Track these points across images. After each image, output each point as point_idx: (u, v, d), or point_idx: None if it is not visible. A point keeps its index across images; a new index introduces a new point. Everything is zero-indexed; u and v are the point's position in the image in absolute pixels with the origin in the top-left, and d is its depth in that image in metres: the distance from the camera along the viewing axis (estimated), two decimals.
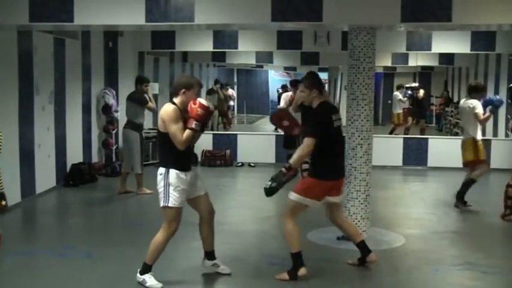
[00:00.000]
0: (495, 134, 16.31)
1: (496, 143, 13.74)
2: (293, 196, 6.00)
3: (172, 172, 5.53)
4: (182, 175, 5.57)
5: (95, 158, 12.13)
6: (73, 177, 10.84)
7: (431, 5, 6.87)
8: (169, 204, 5.55)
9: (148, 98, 10.25)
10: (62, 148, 10.77)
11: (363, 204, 7.42)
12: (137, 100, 10.21)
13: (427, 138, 14.10)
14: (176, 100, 5.62)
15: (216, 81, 20.76)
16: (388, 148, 13.49)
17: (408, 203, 9.99)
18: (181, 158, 5.59)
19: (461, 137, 9.58)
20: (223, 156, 13.66)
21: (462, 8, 6.83)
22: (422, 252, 7.16)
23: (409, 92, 20.39)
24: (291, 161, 5.89)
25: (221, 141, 14.10)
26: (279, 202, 10.13)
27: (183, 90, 5.60)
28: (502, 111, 15.95)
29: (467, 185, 9.15)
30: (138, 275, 5.72)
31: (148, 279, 5.67)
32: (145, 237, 7.54)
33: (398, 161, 13.62)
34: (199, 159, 13.77)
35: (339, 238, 7.34)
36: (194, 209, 5.96)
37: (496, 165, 12.67)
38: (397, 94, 18.78)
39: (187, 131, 5.49)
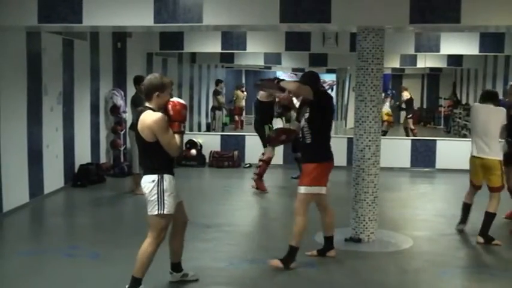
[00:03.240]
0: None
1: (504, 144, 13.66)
2: (303, 189, 6.26)
3: (167, 178, 5.32)
4: (173, 180, 5.38)
5: (103, 159, 12.15)
6: (81, 177, 10.86)
7: (440, 7, 6.85)
8: (165, 212, 5.31)
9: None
10: (70, 148, 10.80)
11: (370, 206, 7.40)
12: (133, 101, 10.17)
13: (435, 140, 14.06)
14: (151, 104, 5.30)
15: (218, 82, 20.81)
16: (396, 150, 13.45)
17: (416, 205, 9.96)
18: (171, 163, 5.42)
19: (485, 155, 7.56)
20: (231, 157, 13.66)
21: (471, 10, 6.81)
22: (430, 254, 7.14)
23: (390, 91, 20.38)
24: (284, 83, 6.56)
25: (229, 142, 14.11)
26: (284, 203, 10.14)
27: (156, 93, 5.28)
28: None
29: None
30: None
31: None
32: None
33: (406, 163, 13.59)
34: (207, 160, 13.79)
35: (346, 239, 7.33)
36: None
37: None
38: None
39: (178, 136, 5.27)
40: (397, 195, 10.60)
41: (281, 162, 13.42)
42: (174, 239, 5.76)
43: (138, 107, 9.97)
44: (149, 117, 5.20)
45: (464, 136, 18.20)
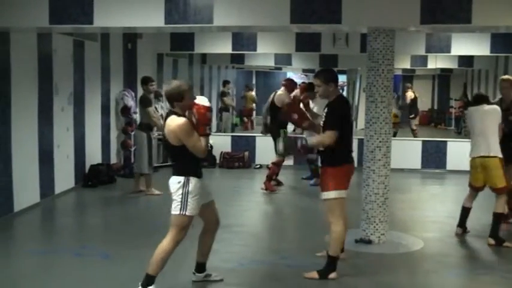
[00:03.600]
0: None
1: None
2: (326, 195, 6.03)
3: (193, 180, 5.43)
4: (199, 183, 5.48)
5: (113, 159, 12.19)
6: (92, 177, 10.90)
7: (451, 7, 6.83)
8: (187, 213, 5.41)
9: (154, 99, 10.45)
10: (81, 149, 10.84)
11: (381, 207, 7.38)
12: (141, 101, 10.37)
13: (446, 142, 14.02)
14: (176, 109, 5.42)
15: (225, 83, 20.73)
16: (406, 151, 13.42)
17: (427, 207, 9.93)
18: (198, 165, 5.53)
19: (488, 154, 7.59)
20: (241, 158, 13.67)
21: (482, 10, 6.78)
22: (440, 256, 7.11)
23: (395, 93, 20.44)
24: (312, 140, 6.11)
25: (239, 143, 14.12)
26: (295, 204, 10.14)
27: (176, 102, 5.39)
28: None
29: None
30: (140, 287, 5.46)
31: None
32: (162, 238, 7.58)
33: (417, 164, 13.56)
34: (217, 161, 13.80)
35: (357, 241, 7.32)
36: (201, 217, 5.79)
37: None
38: None
39: (204, 138, 5.38)
40: (407, 197, 10.57)
41: (291, 162, 13.40)
42: (204, 238, 5.85)
43: (146, 107, 10.17)
44: (173, 122, 5.31)
45: None
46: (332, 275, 6.03)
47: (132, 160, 12.49)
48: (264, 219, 9.05)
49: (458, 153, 13.24)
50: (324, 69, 6.43)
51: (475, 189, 7.80)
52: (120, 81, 12.49)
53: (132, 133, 12.45)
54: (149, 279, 5.43)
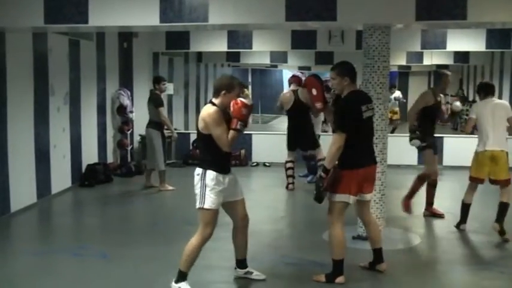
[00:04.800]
0: (511, 132, 16.19)
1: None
2: (329, 196, 5.79)
3: (210, 173, 5.41)
4: (220, 177, 5.46)
5: (110, 159, 12.18)
6: (88, 177, 10.89)
7: (446, 3, 6.82)
8: (205, 206, 5.41)
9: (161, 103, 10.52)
10: (77, 148, 10.82)
11: (378, 204, 7.39)
12: (153, 101, 10.52)
13: (442, 137, 14.00)
14: (216, 101, 5.48)
15: None
16: (403, 147, 13.39)
17: (423, 203, 9.90)
18: (220, 159, 5.50)
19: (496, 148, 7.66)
20: (238, 156, 13.64)
21: (477, 6, 6.78)
22: (438, 251, 7.13)
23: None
24: (325, 163, 5.71)
25: (236, 141, 14.07)
26: (293, 202, 10.14)
27: (223, 91, 5.45)
28: None
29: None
30: (173, 283, 5.52)
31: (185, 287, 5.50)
32: (161, 237, 7.61)
33: (413, 160, 13.55)
34: None
35: (354, 237, 7.32)
36: (228, 214, 5.86)
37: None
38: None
39: (232, 132, 5.41)
40: (404, 193, 10.55)
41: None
42: (235, 235, 5.91)
43: (158, 106, 10.24)
44: (205, 110, 5.43)
45: (471, 133, 18.15)
46: (339, 279, 5.84)
47: (129, 159, 12.51)
48: (261, 217, 9.03)
49: (455, 149, 13.29)
50: (342, 62, 6.08)
51: (477, 182, 7.84)
52: (116, 80, 12.48)
53: (129, 132, 12.46)
54: (181, 275, 5.50)
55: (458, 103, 9.11)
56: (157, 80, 10.70)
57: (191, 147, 13.81)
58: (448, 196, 10.33)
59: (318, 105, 6.06)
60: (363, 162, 5.84)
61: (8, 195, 8.53)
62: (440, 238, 7.73)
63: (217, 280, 6.09)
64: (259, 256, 6.74)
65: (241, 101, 5.44)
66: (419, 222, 8.61)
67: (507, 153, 7.64)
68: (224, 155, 5.53)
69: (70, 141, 10.52)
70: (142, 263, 6.47)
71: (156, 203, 9.86)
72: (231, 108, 5.42)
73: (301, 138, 10.60)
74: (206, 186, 5.41)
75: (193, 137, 13.99)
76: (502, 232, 7.43)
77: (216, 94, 5.52)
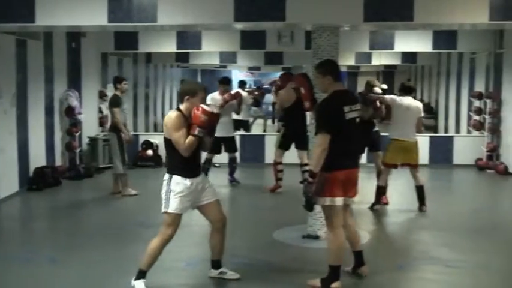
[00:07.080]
0: (457, 131, 16.56)
1: (458, 139, 14.11)
2: (318, 201, 5.60)
3: (176, 178, 5.51)
4: (186, 181, 5.52)
5: (58, 161, 11.98)
6: (36, 181, 10.69)
7: (394, 5, 6.94)
8: (169, 210, 5.52)
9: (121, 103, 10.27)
10: (25, 152, 10.61)
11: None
12: (110, 102, 10.37)
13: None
14: (182, 107, 5.58)
15: (182, 81, 20.64)
16: None
17: (371, 200, 9.98)
18: (186, 164, 5.54)
19: (409, 139, 8.87)
20: None
21: (424, 8, 6.93)
22: (386, 248, 7.21)
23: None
24: (311, 167, 5.53)
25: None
26: (255, 202, 10.14)
27: (187, 97, 5.55)
28: (464, 108, 16.20)
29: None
30: (132, 281, 5.56)
31: (138, 285, 5.51)
32: (109, 240, 7.51)
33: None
34: (163, 161, 13.65)
35: (304, 237, 7.36)
36: (204, 217, 5.89)
37: (459, 161, 13.60)
38: None
39: (190, 138, 5.43)
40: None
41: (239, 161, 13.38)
42: (211, 237, 5.98)
43: (112, 107, 10.05)
44: (168, 115, 5.59)
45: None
46: (334, 285, 5.65)
47: (78, 162, 12.34)
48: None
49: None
50: (325, 61, 5.93)
51: (392, 167, 9.09)
52: (64, 81, 12.28)
53: (77, 134, 12.29)
54: (140, 273, 5.57)
55: (377, 88, 9.30)
56: (118, 80, 10.42)
57: (140, 149, 13.70)
58: (396, 193, 10.41)
59: (306, 104, 6.08)
60: (345, 165, 5.61)
61: None
62: (389, 234, 7.83)
63: (172, 283, 6.04)
64: (208, 256, 6.67)
65: (202, 107, 5.47)
66: (368, 219, 8.69)
67: (417, 142, 8.94)
68: (191, 159, 5.56)
69: (17, 145, 10.31)
70: (91, 266, 6.39)
71: (108, 207, 9.74)
72: (192, 115, 5.47)
73: (299, 137, 10.41)
74: (171, 191, 5.52)
75: (142, 138, 13.91)
76: (421, 208, 8.90)
77: (181, 100, 5.62)
